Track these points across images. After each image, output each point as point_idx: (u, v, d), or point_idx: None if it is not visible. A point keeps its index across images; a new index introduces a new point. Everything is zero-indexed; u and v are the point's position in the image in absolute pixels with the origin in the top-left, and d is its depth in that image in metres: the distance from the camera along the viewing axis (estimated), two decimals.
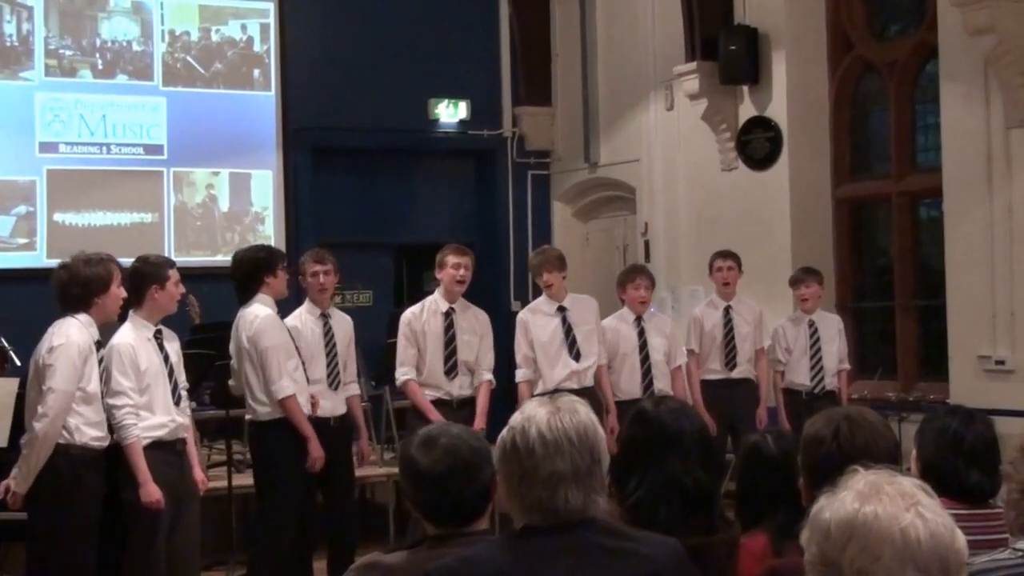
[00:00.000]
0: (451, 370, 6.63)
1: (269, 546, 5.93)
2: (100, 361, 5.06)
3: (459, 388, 6.65)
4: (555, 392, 6.55)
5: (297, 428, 5.85)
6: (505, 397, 7.27)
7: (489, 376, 6.77)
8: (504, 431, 2.40)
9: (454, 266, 6.64)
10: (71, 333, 4.96)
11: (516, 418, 2.39)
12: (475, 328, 6.74)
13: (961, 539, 1.80)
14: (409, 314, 6.76)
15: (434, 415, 6.47)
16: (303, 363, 6.03)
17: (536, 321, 7.04)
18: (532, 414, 2.36)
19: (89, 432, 4.99)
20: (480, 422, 6.58)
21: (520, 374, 7.00)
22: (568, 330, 7.01)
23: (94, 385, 5.00)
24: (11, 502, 5.00)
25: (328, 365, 6.34)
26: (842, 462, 2.71)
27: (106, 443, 5.07)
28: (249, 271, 5.99)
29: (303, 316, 6.38)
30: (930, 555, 1.75)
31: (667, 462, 2.94)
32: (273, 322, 5.90)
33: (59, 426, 4.89)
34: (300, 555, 6.07)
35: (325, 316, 6.40)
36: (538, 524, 2.33)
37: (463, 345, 6.66)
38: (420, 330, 6.64)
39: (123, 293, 5.14)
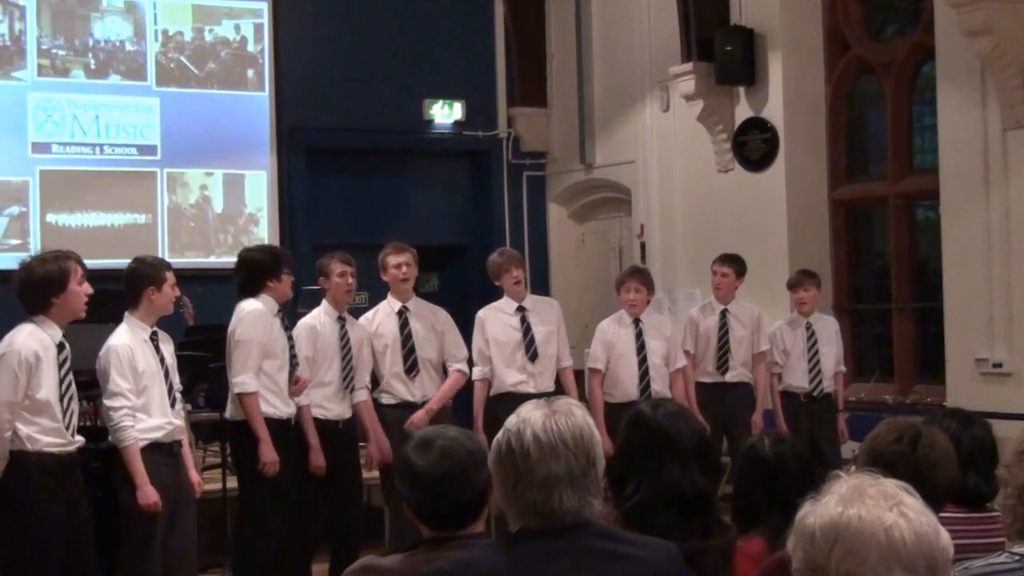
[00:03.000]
0: (411, 369, 6.59)
1: (250, 547, 5.90)
2: (63, 363, 4.87)
3: (422, 390, 6.60)
4: (510, 393, 6.64)
5: (252, 427, 5.78)
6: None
7: (460, 366, 6.71)
8: (499, 434, 2.38)
9: (395, 266, 6.62)
10: (15, 341, 4.80)
11: (511, 421, 2.37)
12: (434, 325, 6.69)
13: (946, 537, 1.80)
14: (363, 321, 6.68)
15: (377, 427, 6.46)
16: (285, 364, 5.96)
17: (494, 319, 6.97)
18: (527, 417, 2.35)
19: (44, 439, 4.81)
20: (433, 403, 6.50)
21: (476, 372, 6.91)
22: (527, 330, 6.94)
23: (45, 392, 4.79)
24: None
25: (343, 368, 6.33)
26: (909, 464, 2.71)
27: (70, 448, 4.88)
28: (252, 273, 5.97)
29: (321, 318, 6.37)
30: (916, 554, 1.75)
31: (666, 467, 2.92)
32: (256, 318, 5.84)
33: (4, 437, 4.75)
34: (287, 557, 6.02)
35: (342, 319, 6.40)
36: (533, 527, 2.31)
37: (421, 342, 6.61)
38: (374, 333, 6.60)
39: (87, 290, 4.93)
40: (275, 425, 5.84)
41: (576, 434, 2.32)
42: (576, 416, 2.36)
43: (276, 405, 5.88)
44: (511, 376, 6.87)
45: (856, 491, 1.82)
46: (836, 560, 1.77)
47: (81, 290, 4.91)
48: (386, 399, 6.62)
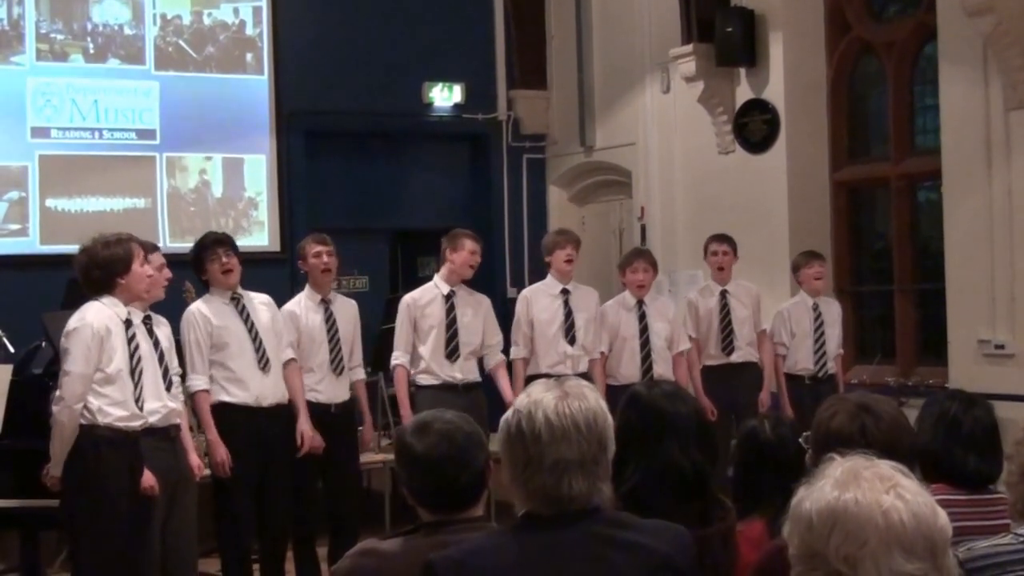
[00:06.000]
0: (452, 353, 6.61)
1: (226, 538, 5.93)
2: (132, 339, 4.97)
3: (463, 372, 6.63)
4: (547, 374, 6.69)
5: (204, 427, 5.80)
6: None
7: (501, 356, 6.81)
8: (508, 414, 2.32)
9: (471, 251, 6.69)
10: (86, 316, 4.90)
11: (522, 401, 2.31)
12: (478, 311, 6.74)
13: (944, 517, 1.79)
14: (408, 298, 6.76)
15: (406, 409, 6.51)
16: (245, 350, 5.93)
17: (538, 301, 7.08)
18: (539, 398, 2.29)
19: (114, 412, 4.89)
20: (508, 398, 6.56)
21: (515, 351, 7.00)
22: (568, 313, 7.02)
23: (115, 365, 4.90)
24: (50, 484, 4.97)
25: (331, 351, 6.31)
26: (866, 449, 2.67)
27: (135, 423, 4.97)
28: (193, 270, 6.04)
29: (303, 302, 6.36)
30: (915, 535, 1.74)
31: (664, 446, 2.90)
32: (188, 319, 5.89)
33: (76, 409, 4.84)
34: (268, 545, 6.03)
35: (326, 302, 6.37)
36: (540, 512, 2.29)
37: (465, 328, 6.65)
38: (420, 314, 6.63)
39: (148, 271, 5.06)
40: (238, 412, 5.82)
41: (589, 418, 2.28)
42: (589, 399, 2.31)
43: (235, 393, 5.86)
44: (549, 358, 6.95)
45: (851, 474, 1.80)
46: (835, 545, 1.76)
47: (143, 271, 5.02)
48: (426, 380, 6.64)
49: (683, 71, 9.19)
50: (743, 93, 9.07)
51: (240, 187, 10.17)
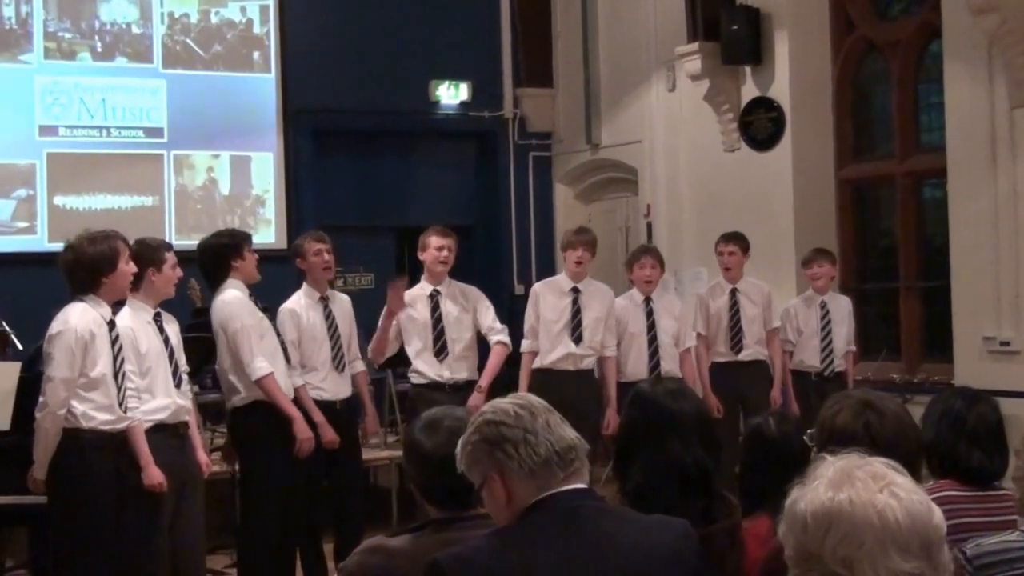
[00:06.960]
0: (440, 352, 6.62)
1: (254, 535, 5.89)
2: (115, 341, 4.95)
3: (452, 371, 6.63)
4: (550, 369, 6.83)
5: (280, 409, 5.74)
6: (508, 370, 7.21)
7: (501, 337, 6.74)
8: (472, 437, 2.35)
9: (437, 247, 6.65)
10: (70, 319, 4.87)
11: (476, 417, 2.38)
12: (464, 306, 6.72)
13: (939, 514, 1.78)
14: None
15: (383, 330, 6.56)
16: (283, 347, 5.95)
17: (547, 297, 7.10)
18: (490, 404, 2.39)
19: (98, 416, 4.89)
20: (484, 379, 6.56)
21: (525, 344, 7.05)
22: (576, 312, 7.02)
23: (99, 369, 4.88)
24: (33, 487, 4.98)
25: (332, 348, 6.32)
26: (871, 451, 2.68)
27: (120, 425, 4.96)
28: (214, 258, 5.92)
29: (302, 301, 6.34)
30: (910, 533, 1.74)
31: (667, 443, 2.92)
32: (242, 304, 5.79)
33: (59, 414, 4.84)
34: (286, 543, 6.02)
35: (324, 299, 6.37)
36: (551, 489, 2.30)
37: (452, 325, 6.64)
38: (406, 315, 6.62)
39: (133, 269, 5.02)
40: (272, 406, 5.79)
41: (534, 400, 2.39)
42: (527, 395, 2.44)
43: (279, 384, 5.84)
44: (554, 353, 6.99)
45: (844, 474, 1.80)
46: (831, 546, 1.75)
47: (128, 269, 4.99)
48: (417, 379, 6.67)
49: (689, 69, 9.20)
50: (748, 91, 9.08)
51: (247, 185, 10.19)
